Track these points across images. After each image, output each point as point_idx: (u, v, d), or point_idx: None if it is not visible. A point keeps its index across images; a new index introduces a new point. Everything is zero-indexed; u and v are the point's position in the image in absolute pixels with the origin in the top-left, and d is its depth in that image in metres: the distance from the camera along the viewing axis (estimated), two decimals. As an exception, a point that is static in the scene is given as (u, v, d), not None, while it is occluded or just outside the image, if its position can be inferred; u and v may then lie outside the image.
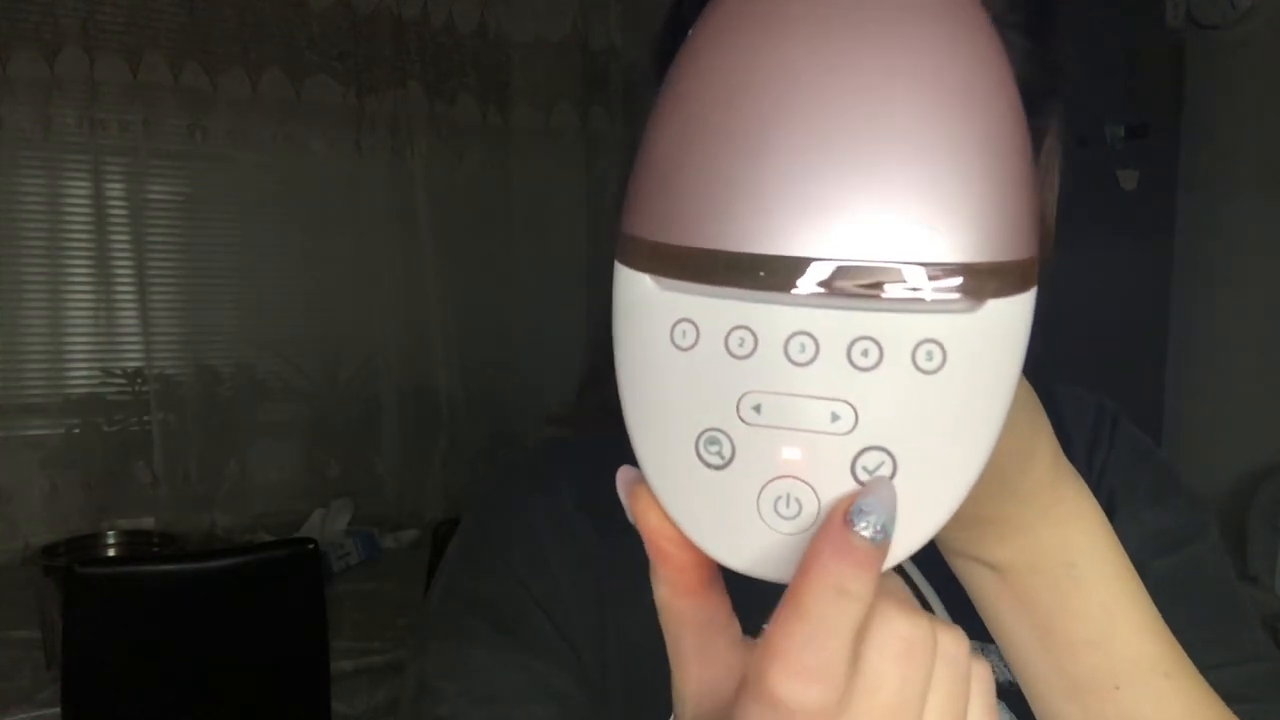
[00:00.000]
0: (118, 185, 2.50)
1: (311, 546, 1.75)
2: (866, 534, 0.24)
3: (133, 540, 2.37)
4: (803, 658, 0.23)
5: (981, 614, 0.41)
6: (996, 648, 0.51)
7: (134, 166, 2.50)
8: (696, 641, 0.27)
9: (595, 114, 3.06)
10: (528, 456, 0.60)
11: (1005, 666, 0.51)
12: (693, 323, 0.25)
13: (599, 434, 0.57)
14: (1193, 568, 0.53)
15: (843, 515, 0.24)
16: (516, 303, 2.98)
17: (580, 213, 3.05)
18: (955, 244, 0.24)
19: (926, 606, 0.48)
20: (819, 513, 0.25)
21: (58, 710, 1.57)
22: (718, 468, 0.26)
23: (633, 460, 0.29)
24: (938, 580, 0.44)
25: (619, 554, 0.52)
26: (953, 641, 0.26)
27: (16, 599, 2.00)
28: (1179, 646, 0.40)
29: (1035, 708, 0.42)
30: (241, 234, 2.67)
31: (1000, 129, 0.24)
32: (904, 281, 0.23)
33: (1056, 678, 0.40)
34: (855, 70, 0.24)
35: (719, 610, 0.28)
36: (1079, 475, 0.39)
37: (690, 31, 0.27)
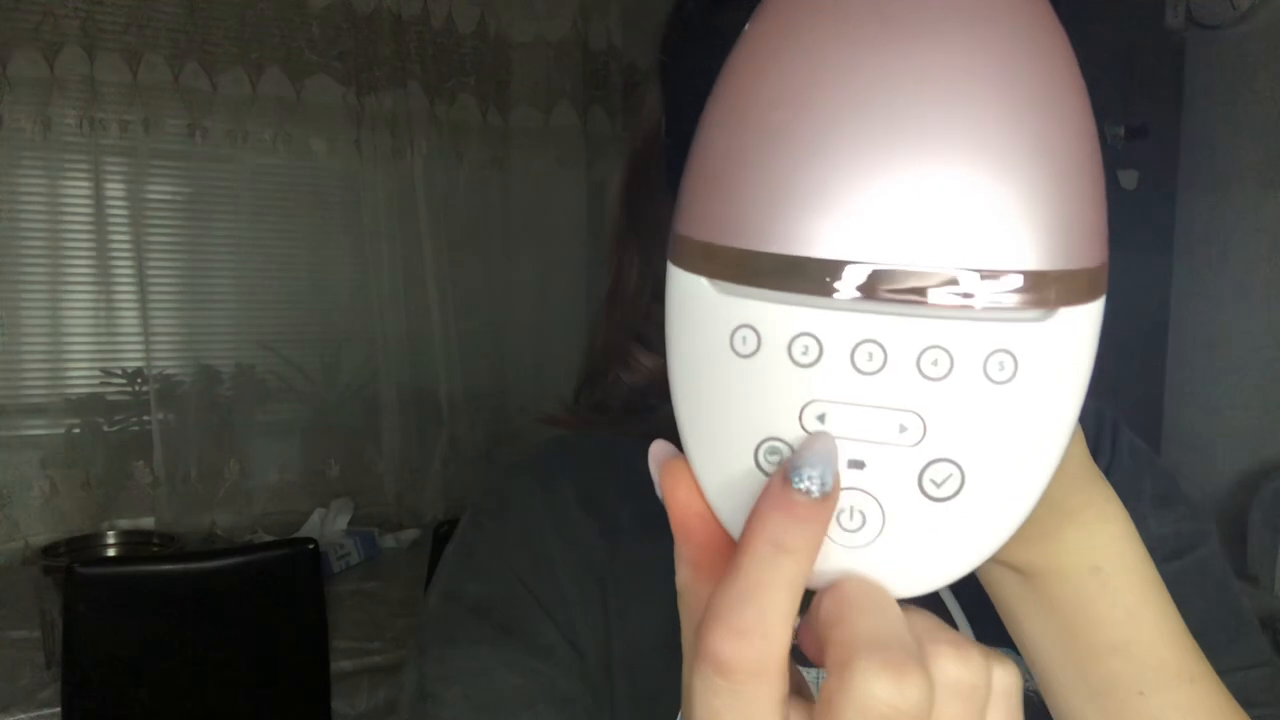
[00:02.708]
0: (118, 185, 2.50)
1: (311, 546, 1.75)
2: (802, 487, 0.23)
3: (133, 540, 2.37)
4: (737, 615, 0.23)
5: (1003, 617, 0.41)
6: (1007, 652, 0.51)
7: (134, 166, 2.50)
8: None
9: (595, 114, 3.05)
10: (529, 455, 0.59)
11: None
12: (754, 329, 0.24)
13: (600, 434, 0.57)
14: (1197, 574, 0.52)
15: (784, 472, 0.23)
16: (516, 303, 2.98)
17: (580, 213, 3.05)
18: (1029, 251, 0.23)
19: (945, 609, 0.48)
20: (884, 526, 0.25)
21: (58, 710, 1.57)
22: None
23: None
24: (956, 582, 0.43)
25: (623, 554, 0.52)
26: (1006, 675, 0.25)
27: (16, 599, 2.00)
28: (1202, 653, 0.40)
29: (1056, 712, 0.41)
30: (241, 234, 2.67)
31: (1074, 131, 0.24)
32: (977, 289, 0.23)
33: (1079, 683, 0.39)
34: (927, 69, 0.23)
35: None
36: (1105, 480, 0.39)
37: (745, 28, 0.26)
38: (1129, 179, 2.00)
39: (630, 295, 0.56)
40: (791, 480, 0.23)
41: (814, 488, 0.23)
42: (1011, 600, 0.40)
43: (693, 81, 0.27)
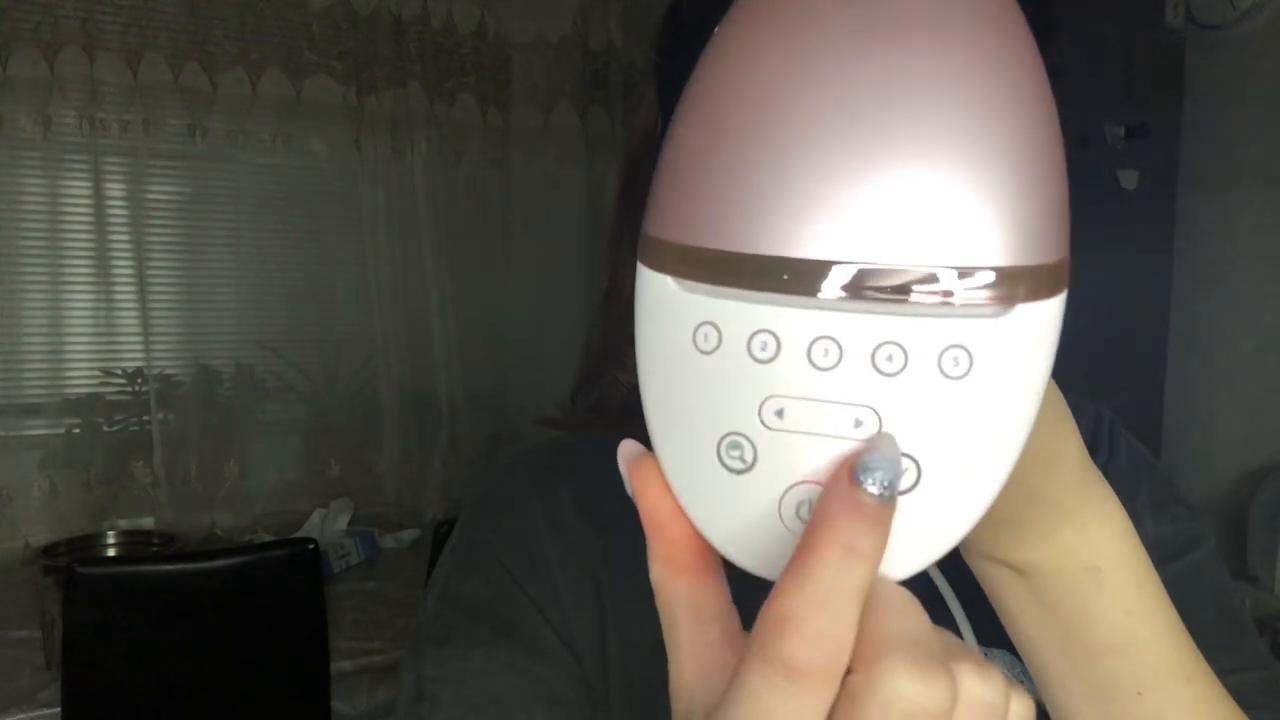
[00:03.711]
0: (118, 185, 2.50)
1: (311, 546, 1.75)
2: (874, 490, 0.23)
3: (133, 540, 2.37)
4: (811, 621, 0.22)
5: (1001, 616, 0.41)
6: (1001, 653, 0.51)
7: (134, 166, 2.50)
8: (690, 627, 0.27)
9: (595, 114, 3.05)
10: (525, 458, 0.59)
11: (1010, 671, 0.51)
12: (715, 326, 0.25)
13: (597, 435, 0.57)
14: (1193, 576, 0.52)
15: (849, 472, 0.23)
16: (516, 302, 2.98)
17: (580, 213, 3.05)
18: (985, 247, 0.23)
19: (944, 605, 0.48)
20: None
21: (58, 710, 1.58)
22: (739, 472, 0.25)
23: None
24: (954, 579, 0.44)
25: (618, 556, 0.52)
26: (1023, 706, 0.26)
27: (16, 599, 2.00)
28: (1199, 653, 0.40)
29: (1053, 712, 0.41)
30: (241, 234, 2.67)
31: (1034, 129, 0.24)
32: (931, 285, 0.23)
33: (1077, 682, 0.39)
34: (883, 69, 0.23)
35: (715, 595, 0.27)
36: (1104, 479, 0.39)
37: (716, 29, 0.26)
38: (1129, 179, 2.00)
39: (627, 296, 0.56)
40: (860, 481, 0.23)
41: (884, 490, 0.23)
42: (1010, 600, 0.40)
43: (685, 83, 0.27)
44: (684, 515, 0.27)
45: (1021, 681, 0.51)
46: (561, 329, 2.86)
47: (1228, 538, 1.92)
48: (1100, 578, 0.38)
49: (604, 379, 0.56)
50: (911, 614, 0.24)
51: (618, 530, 0.53)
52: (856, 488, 0.23)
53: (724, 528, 0.26)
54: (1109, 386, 0.62)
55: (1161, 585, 0.39)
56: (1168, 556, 0.52)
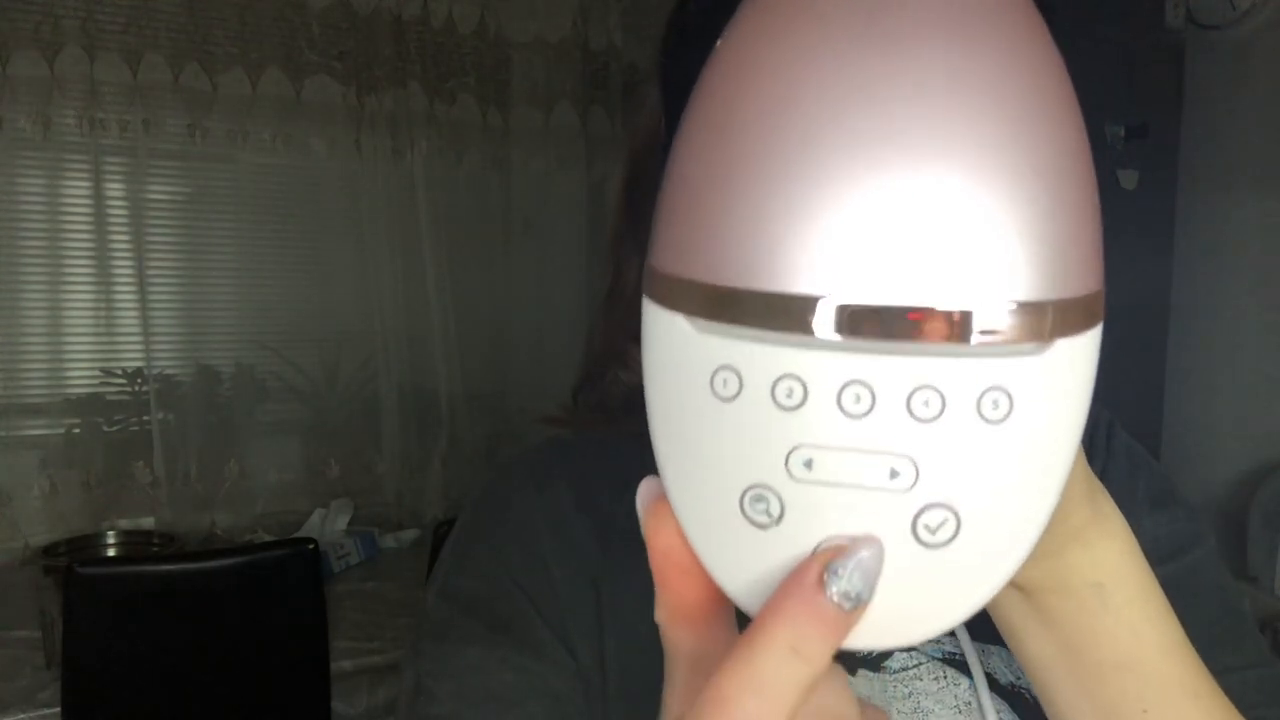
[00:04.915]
0: (118, 185, 2.50)
1: (311, 546, 1.75)
2: (836, 599, 0.22)
3: (133, 540, 2.37)
4: (744, 705, 0.22)
5: (1005, 634, 0.41)
6: (999, 650, 0.51)
7: (134, 166, 2.50)
8: (688, 673, 0.26)
9: (595, 114, 3.05)
10: (525, 455, 0.59)
11: (1008, 668, 0.51)
12: (735, 371, 0.23)
13: (598, 434, 0.57)
14: (1192, 575, 0.52)
15: (819, 570, 0.22)
16: (516, 302, 2.98)
17: (580, 213, 3.05)
18: (1021, 281, 0.21)
19: None
20: (878, 575, 0.23)
21: (58, 710, 1.57)
22: (765, 527, 0.24)
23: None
24: None
25: (617, 553, 0.52)
26: None
27: (16, 599, 2.00)
28: (1205, 667, 0.39)
29: None
30: (241, 234, 2.67)
31: (1069, 151, 0.22)
32: (968, 324, 0.21)
33: (1083, 700, 0.39)
34: (909, 96, 0.21)
35: (719, 646, 0.26)
36: (1108, 495, 0.39)
37: (718, 42, 0.24)
38: (1129, 179, 2.00)
39: (629, 295, 0.56)
40: (828, 584, 0.22)
41: (848, 603, 0.22)
42: (1014, 618, 0.40)
43: (691, 84, 0.26)
44: (695, 569, 0.25)
45: (1019, 680, 0.51)
46: (561, 329, 2.85)
47: (1228, 538, 1.92)
48: (1105, 594, 0.37)
49: (605, 378, 0.56)
50: (835, 697, 0.24)
51: (616, 529, 0.53)
52: (820, 588, 0.22)
53: (748, 584, 0.24)
54: (1109, 386, 0.62)
55: (1167, 602, 0.39)
56: (1166, 556, 0.52)
